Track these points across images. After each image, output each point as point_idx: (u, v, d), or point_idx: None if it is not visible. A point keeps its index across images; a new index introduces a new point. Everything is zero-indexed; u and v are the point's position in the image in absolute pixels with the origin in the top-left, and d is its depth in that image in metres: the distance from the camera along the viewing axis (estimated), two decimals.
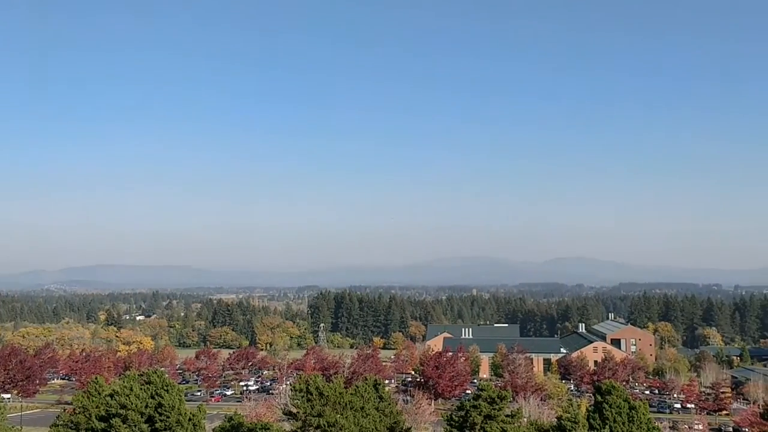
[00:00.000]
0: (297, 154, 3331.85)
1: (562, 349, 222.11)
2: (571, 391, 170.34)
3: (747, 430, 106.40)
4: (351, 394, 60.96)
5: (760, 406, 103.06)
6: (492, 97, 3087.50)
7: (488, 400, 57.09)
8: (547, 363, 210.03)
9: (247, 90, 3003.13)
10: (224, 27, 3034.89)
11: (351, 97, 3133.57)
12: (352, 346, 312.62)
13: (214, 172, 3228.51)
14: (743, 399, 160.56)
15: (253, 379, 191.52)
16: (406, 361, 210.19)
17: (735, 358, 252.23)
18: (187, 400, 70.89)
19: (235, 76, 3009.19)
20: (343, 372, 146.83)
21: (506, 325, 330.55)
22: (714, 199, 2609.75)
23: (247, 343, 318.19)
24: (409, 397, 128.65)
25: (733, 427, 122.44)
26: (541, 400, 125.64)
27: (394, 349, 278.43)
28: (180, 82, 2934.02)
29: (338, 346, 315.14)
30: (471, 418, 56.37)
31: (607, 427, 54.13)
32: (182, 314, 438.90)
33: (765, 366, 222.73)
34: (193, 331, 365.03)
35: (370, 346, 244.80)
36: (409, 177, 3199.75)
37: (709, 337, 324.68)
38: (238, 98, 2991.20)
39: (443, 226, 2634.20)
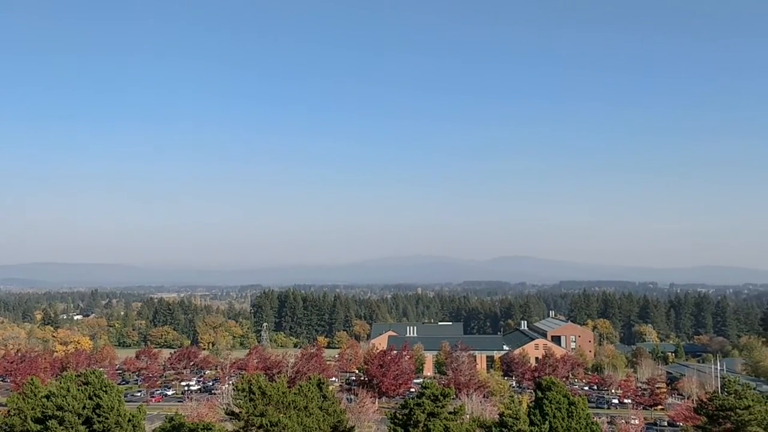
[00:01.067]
0: (241, 154, 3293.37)
1: (505, 347, 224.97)
2: (513, 387, 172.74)
3: (681, 424, 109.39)
4: (294, 393, 60.68)
5: (694, 401, 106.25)
6: (437, 97, 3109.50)
7: (431, 397, 57.47)
8: (490, 360, 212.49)
9: (196, 87, 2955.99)
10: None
11: (304, 97, 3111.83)
12: (295, 346, 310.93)
13: (155, 172, 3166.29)
14: (678, 394, 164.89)
15: (195, 379, 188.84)
16: (351, 360, 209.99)
17: (670, 354, 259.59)
18: (126, 401, 69.57)
19: (186, 74, 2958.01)
20: (287, 371, 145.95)
21: (450, 323, 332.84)
22: (650, 201, 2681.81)
23: (189, 342, 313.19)
24: (353, 396, 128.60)
25: (668, 422, 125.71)
26: (484, 396, 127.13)
27: (338, 348, 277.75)
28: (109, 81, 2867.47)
29: (282, 346, 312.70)
30: (414, 415, 56.65)
31: (547, 422, 55.02)
32: (122, 313, 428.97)
33: (699, 362, 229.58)
34: (133, 330, 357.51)
35: (313, 345, 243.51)
36: (354, 176, 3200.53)
37: (646, 334, 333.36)
38: (182, 95, 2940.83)
39: (388, 225, 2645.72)
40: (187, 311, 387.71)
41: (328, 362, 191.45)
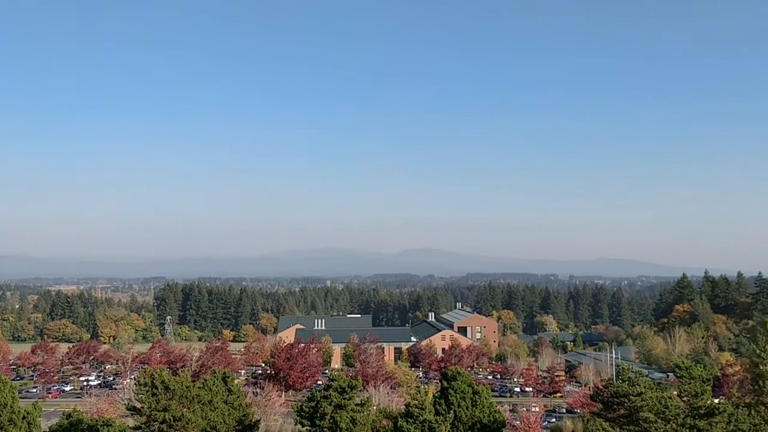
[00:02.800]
0: (143, 140, 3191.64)
1: (413, 338, 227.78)
2: (420, 378, 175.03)
3: (579, 411, 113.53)
4: (198, 387, 59.73)
5: (591, 389, 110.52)
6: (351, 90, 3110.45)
7: (339, 390, 57.53)
8: (398, 351, 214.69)
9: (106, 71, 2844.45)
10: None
11: (214, 76, 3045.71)
12: (200, 339, 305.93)
13: (53, 160, 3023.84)
14: (576, 382, 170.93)
15: (95, 373, 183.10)
16: (257, 353, 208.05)
17: (569, 343, 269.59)
18: (21, 398, 66.70)
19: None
20: (191, 365, 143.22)
21: (359, 315, 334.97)
22: (551, 195, 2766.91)
23: (89, 336, 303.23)
24: (259, 390, 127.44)
25: (566, 409, 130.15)
26: (391, 388, 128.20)
27: (244, 341, 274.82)
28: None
29: (186, 339, 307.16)
30: (321, 408, 56.60)
31: (452, 411, 56.07)
32: (17, 306, 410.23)
33: (595, 350, 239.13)
34: (29, 324, 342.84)
35: (219, 339, 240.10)
36: (261, 167, 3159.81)
37: (547, 324, 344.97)
38: (79, 79, 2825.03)
39: (297, 218, 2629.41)
40: (87, 304, 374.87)
41: (234, 356, 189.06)
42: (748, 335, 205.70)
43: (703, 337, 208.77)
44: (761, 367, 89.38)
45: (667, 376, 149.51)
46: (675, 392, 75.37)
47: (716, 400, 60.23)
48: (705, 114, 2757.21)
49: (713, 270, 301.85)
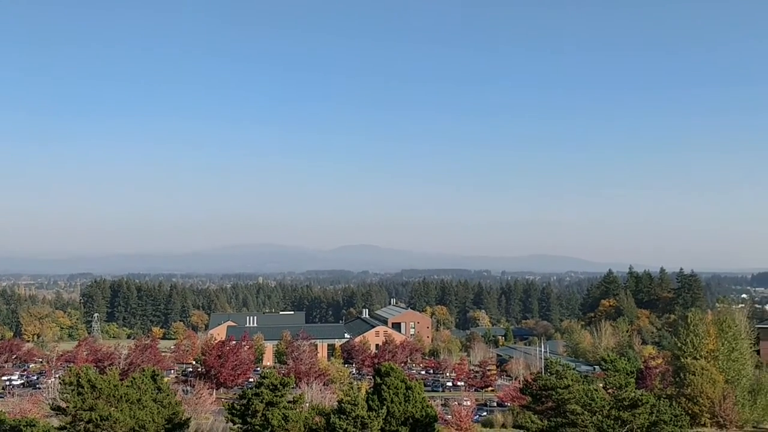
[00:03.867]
0: (69, 135, 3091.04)
1: (346, 335, 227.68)
2: (354, 374, 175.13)
3: (509, 404, 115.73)
4: (126, 386, 58.53)
5: (521, 382, 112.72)
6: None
7: (270, 387, 57.20)
8: (331, 348, 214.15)
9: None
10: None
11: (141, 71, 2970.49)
12: (129, 337, 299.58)
13: None
14: (506, 375, 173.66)
15: (18, 373, 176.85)
16: (188, 351, 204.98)
17: (500, 337, 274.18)
18: None
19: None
20: (119, 364, 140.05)
21: (292, 312, 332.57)
22: (483, 192, 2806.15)
23: (12, 334, 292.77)
24: (189, 388, 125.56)
25: (497, 402, 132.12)
26: (324, 384, 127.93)
27: (174, 339, 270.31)
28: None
29: (114, 337, 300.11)
30: (253, 405, 56.20)
31: (385, 407, 56.32)
32: None
33: (526, 344, 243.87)
34: None
35: (148, 336, 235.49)
36: (192, 161, 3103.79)
37: (479, 319, 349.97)
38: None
39: (227, 213, 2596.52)
40: (10, 301, 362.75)
41: (163, 354, 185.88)
42: (669, 329, 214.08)
43: (627, 331, 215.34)
44: (682, 360, 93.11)
45: (594, 368, 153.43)
46: (601, 384, 77.65)
47: (639, 392, 62.13)
48: (627, 109, 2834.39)
49: (637, 266, 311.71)
